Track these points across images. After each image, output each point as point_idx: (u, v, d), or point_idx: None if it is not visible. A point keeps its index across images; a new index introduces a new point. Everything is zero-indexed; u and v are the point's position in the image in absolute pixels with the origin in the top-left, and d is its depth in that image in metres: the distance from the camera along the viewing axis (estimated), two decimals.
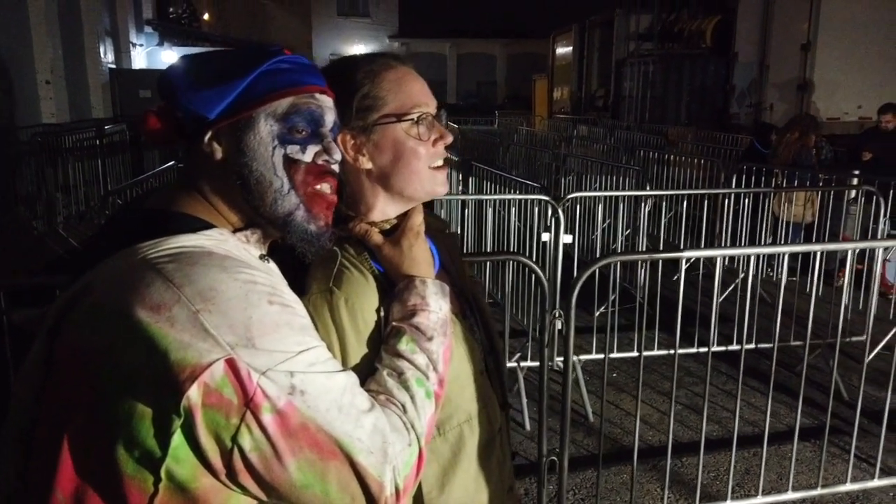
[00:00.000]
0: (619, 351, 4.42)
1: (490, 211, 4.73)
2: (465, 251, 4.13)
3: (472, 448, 1.20)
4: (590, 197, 5.44)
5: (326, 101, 1.02)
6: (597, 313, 4.66)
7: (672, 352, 3.07)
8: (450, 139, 1.17)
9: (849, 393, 4.08)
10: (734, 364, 4.25)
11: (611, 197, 5.65)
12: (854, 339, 4.44)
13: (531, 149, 11.28)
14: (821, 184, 6.15)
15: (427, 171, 1.14)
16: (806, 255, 5.27)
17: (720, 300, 4.90)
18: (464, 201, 4.86)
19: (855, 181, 6.04)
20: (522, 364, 3.95)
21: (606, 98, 19.07)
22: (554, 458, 2.46)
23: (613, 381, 4.33)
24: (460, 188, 6.23)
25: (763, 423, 3.16)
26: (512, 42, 35.52)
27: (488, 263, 4.22)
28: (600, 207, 5.15)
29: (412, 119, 1.12)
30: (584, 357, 4.24)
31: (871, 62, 12.04)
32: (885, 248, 5.91)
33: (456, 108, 25.64)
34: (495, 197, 4.99)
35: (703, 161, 7.86)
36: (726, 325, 4.70)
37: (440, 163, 1.16)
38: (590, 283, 3.56)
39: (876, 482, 3.12)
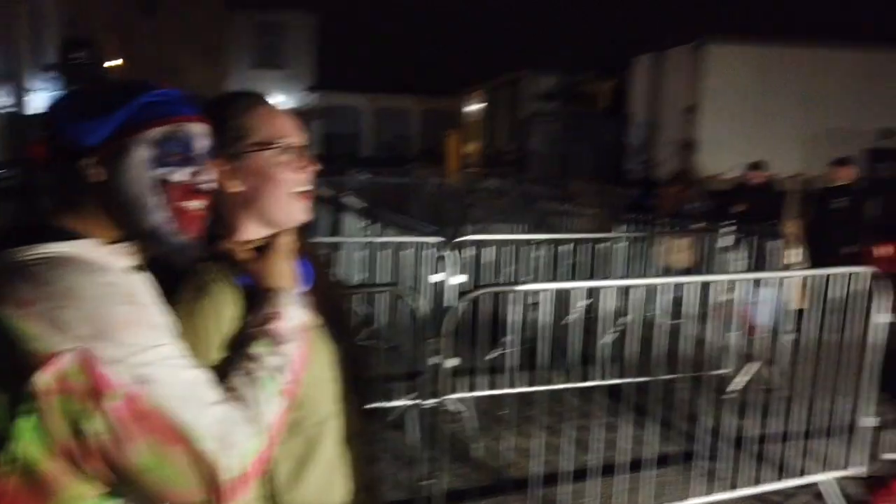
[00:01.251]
0: (510, 387, 4.60)
1: (397, 253, 4.92)
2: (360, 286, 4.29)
3: (327, 447, 1.31)
4: (490, 243, 5.72)
5: (199, 129, 1.16)
6: (494, 354, 4.86)
7: (557, 387, 3.30)
8: (312, 169, 1.32)
9: (714, 421, 4.40)
10: (617, 399, 4.54)
11: (514, 244, 5.97)
12: (719, 372, 4.82)
13: (440, 199, 11.63)
14: (699, 231, 6.70)
15: (288, 198, 1.28)
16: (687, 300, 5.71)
17: (606, 341, 5.28)
18: (365, 243, 5.01)
19: (727, 230, 6.62)
20: (412, 402, 4.07)
21: (514, 153, 19.91)
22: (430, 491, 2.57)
23: (503, 417, 4.50)
24: (367, 232, 6.40)
25: (640, 451, 3.43)
26: (426, 98, 36.55)
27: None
28: (498, 251, 5.44)
29: (277, 148, 1.27)
30: (477, 393, 4.40)
31: (749, 124, 13.25)
32: (751, 292, 6.53)
33: (371, 160, 25.98)
34: (392, 239, 5.17)
35: (595, 211, 8.38)
36: (613, 363, 5.01)
37: (302, 190, 1.30)
38: (488, 323, 3.78)
39: (726, 495, 3.40)
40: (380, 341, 4.86)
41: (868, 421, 3.57)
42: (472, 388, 4.45)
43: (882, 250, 3.29)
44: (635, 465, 3.52)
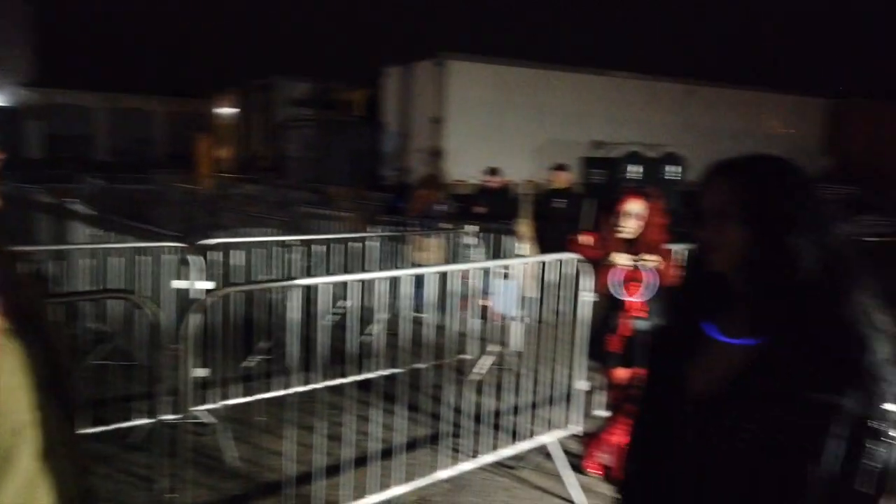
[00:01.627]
0: (264, 392, 4.52)
1: (133, 260, 4.52)
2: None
3: (23, 460, 1.19)
4: (240, 246, 5.53)
5: None
6: (250, 361, 4.72)
7: (313, 387, 3.33)
8: None
9: (462, 402, 4.78)
10: (373, 392, 4.71)
11: (266, 248, 5.83)
12: (466, 357, 5.25)
13: (189, 206, 10.94)
14: (444, 231, 7.20)
15: None
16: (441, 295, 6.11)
17: (370, 338, 5.45)
18: (93, 251, 4.54)
19: (469, 229, 7.21)
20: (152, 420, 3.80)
21: (270, 158, 19.46)
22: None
23: (259, 423, 4.41)
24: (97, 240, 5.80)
25: (392, 439, 3.60)
26: (171, 100, 34.04)
27: None
28: (248, 255, 5.28)
29: None
30: (229, 402, 4.24)
31: (488, 134, 14.50)
32: (494, 284, 7.21)
33: (107, 164, 23.46)
34: (126, 245, 4.77)
35: (351, 214, 8.56)
36: (373, 360, 5.17)
37: None
38: (241, 330, 3.66)
39: (469, 464, 3.72)
40: (116, 357, 4.44)
41: (581, 385, 4.15)
42: (224, 398, 4.28)
43: (584, 239, 3.85)
44: (387, 453, 3.69)
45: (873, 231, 14.72)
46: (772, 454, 1.20)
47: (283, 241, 5.67)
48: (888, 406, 1.17)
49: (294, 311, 3.46)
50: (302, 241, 5.94)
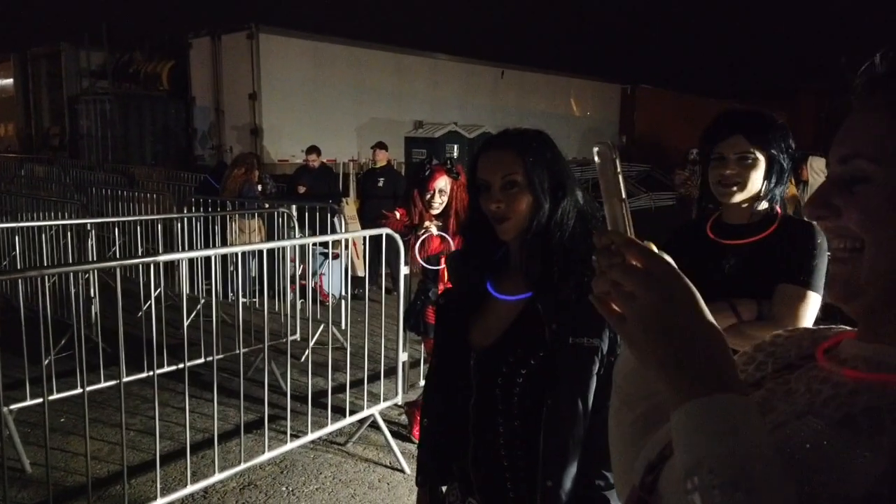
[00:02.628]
0: (61, 392, 4.12)
1: None
2: None
3: None
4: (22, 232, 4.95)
5: None
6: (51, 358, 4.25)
7: (121, 381, 3.07)
8: None
9: (287, 384, 4.72)
10: (194, 382, 4.47)
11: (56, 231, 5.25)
12: (292, 338, 5.16)
13: None
14: (265, 213, 6.97)
15: None
16: (262, 278, 5.91)
17: (187, 325, 5.14)
18: None
19: (293, 208, 7.04)
20: None
21: (62, 136, 17.43)
22: None
23: (61, 425, 4.02)
24: None
25: (211, 428, 3.45)
26: None
27: None
28: (32, 241, 4.73)
29: None
30: (16, 406, 3.82)
31: (307, 112, 14.12)
32: (321, 264, 7.15)
33: None
34: None
35: (156, 196, 7.99)
36: (193, 347, 4.89)
37: None
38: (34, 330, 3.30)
39: (299, 442, 3.70)
40: None
41: (403, 357, 4.27)
42: (15, 401, 3.84)
43: (397, 214, 3.95)
44: (208, 442, 3.55)
45: (663, 203, 16.68)
46: (546, 391, 1.37)
47: (82, 225, 5.14)
48: None
49: (95, 300, 3.19)
50: (101, 224, 5.45)
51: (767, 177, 1.82)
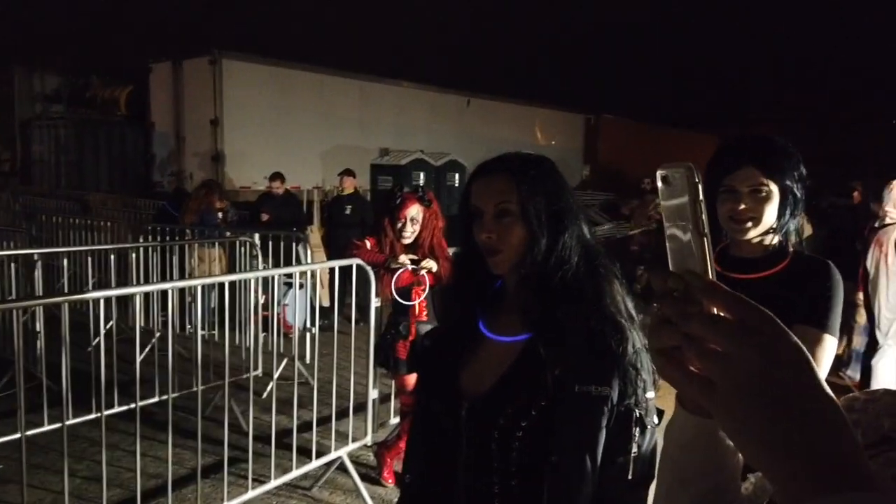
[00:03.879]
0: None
1: None
2: None
3: None
4: None
5: None
6: None
7: (67, 423, 2.81)
8: None
9: (248, 423, 4.45)
10: (146, 422, 4.18)
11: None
12: (254, 373, 4.90)
13: None
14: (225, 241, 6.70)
15: None
16: (222, 309, 5.61)
17: (141, 360, 4.83)
18: None
19: (254, 238, 6.78)
20: None
21: (13, 162, 16.84)
22: None
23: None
24: None
25: (164, 473, 3.17)
26: None
27: None
28: None
29: None
30: None
31: (271, 138, 13.90)
32: (285, 294, 6.89)
33: None
34: None
35: (111, 224, 7.66)
36: (147, 385, 4.59)
37: None
38: None
39: (260, 490, 3.44)
40: None
41: (373, 394, 4.05)
42: None
43: (366, 244, 3.76)
44: (161, 490, 3.27)
45: (626, 231, 16.79)
46: (549, 446, 1.20)
47: (29, 255, 4.84)
48: (648, 394, 1.23)
49: (40, 334, 2.92)
50: (51, 254, 5.13)
51: (781, 209, 1.69)
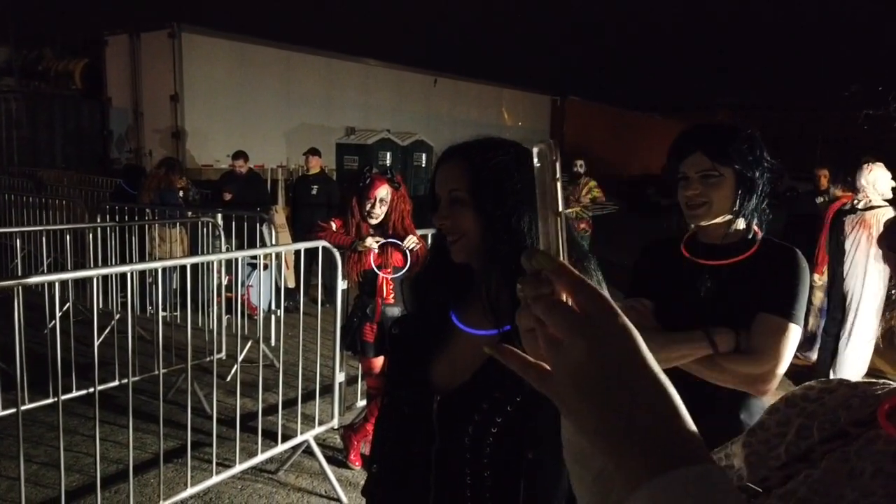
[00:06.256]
0: None
1: None
2: None
3: None
4: None
5: None
6: None
7: (16, 410, 2.71)
8: None
9: (212, 407, 4.38)
10: (106, 406, 4.08)
11: None
12: (218, 356, 4.81)
13: None
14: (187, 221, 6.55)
15: None
16: (184, 290, 5.49)
17: (99, 342, 4.69)
18: None
19: (216, 218, 6.65)
20: None
21: None
22: None
23: None
24: None
25: (125, 458, 3.10)
26: None
27: None
28: None
29: None
30: None
31: (233, 115, 13.59)
32: (249, 275, 6.79)
33: None
34: None
35: (66, 202, 7.42)
36: (107, 368, 4.48)
37: None
38: None
39: (226, 474, 3.39)
40: None
41: (340, 377, 4.03)
42: None
43: (332, 225, 3.72)
44: (121, 475, 3.21)
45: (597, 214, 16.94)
46: (525, 443, 1.19)
47: None
48: None
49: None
50: (4, 233, 4.95)
51: (737, 193, 1.70)
